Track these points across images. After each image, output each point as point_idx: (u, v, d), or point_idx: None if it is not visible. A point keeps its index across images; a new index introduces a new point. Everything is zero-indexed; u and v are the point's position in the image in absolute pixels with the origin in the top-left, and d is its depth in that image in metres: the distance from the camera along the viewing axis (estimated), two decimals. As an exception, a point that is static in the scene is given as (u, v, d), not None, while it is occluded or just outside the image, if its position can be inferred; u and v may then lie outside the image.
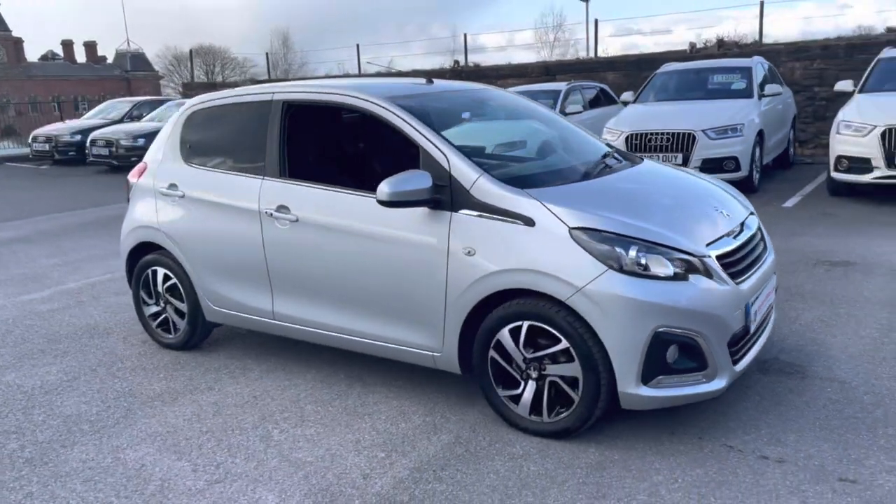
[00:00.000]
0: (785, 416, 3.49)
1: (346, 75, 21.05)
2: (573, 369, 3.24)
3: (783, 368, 4.01)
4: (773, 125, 10.59)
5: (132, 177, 4.96)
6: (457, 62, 19.48)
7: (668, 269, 3.14)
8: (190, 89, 24.37)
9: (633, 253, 3.15)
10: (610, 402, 3.25)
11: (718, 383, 3.23)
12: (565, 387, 3.29)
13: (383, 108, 3.81)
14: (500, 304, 3.40)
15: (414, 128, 3.68)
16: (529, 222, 3.29)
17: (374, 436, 3.53)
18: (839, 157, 8.75)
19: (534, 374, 3.36)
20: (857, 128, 8.60)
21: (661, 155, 9.41)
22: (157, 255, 4.77)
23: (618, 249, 3.16)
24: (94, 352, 4.92)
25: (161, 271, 4.76)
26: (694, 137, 9.31)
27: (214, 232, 4.38)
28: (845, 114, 8.93)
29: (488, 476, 3.12)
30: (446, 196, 3.50)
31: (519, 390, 3.43)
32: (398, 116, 3.75)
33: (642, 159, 4.35)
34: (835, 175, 8.90)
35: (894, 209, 8.32)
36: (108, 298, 6.23)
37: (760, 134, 9.83)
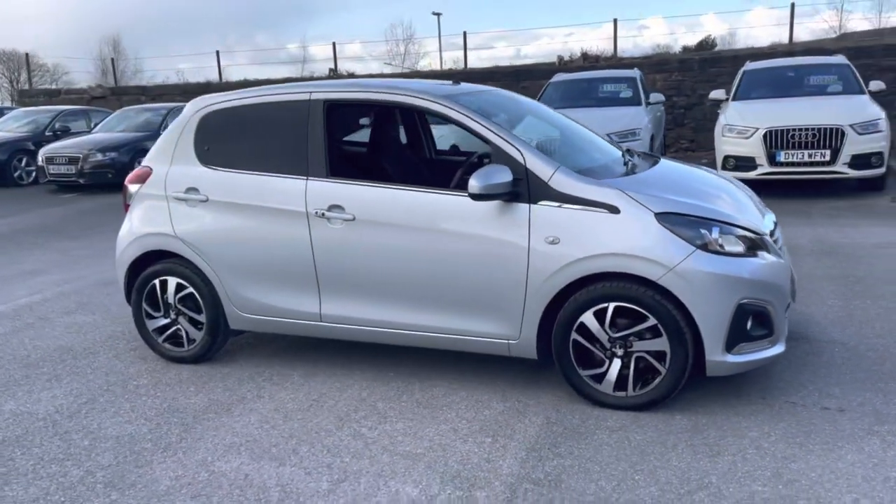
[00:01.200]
0: (818, 373, 3.99)
1: (209, 83, 20.24)
2: (661, 344, 3.53)
3: (790, 335, 4.54)
4: (656, 130, 11.59)
5: (131, 183, 4.65)
6: (332, 70, 19.38)
7: (739, 247, 3.52)
8: (28, 96, 22.27)
9: (715, 233, 3.50)
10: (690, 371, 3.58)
11: (780, 347, 3.65)
12: (653, 361, 3.57)
13: (449, 107, 3.91)
14: (580, 289, 3.62)
15: (484, 125, 3.82)
16: (614, 210, 3.54)
17: (466, 424, 3.62)
18: (726, 157, 9.79)
19: (619, 352, 3.61)
20: (740, 131, 9.67)
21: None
22: (169, 264, 4.51)
23: (702, 231, 3.49)
24: (93, 373, 4.55)
25: (173, 281, 4.50)
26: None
27: (248, 235, 4.24)
28: (728, 118, 9.99)
29: (602, 448, 3.32)
30: (523, 189, 3.67)
31: (603, 369, 3.66)
32: (466, 115, 3.87)
33: (660, 158, 4.74)
34: (722, 173, 9.92)
35: (779, 200, 9.45)
36: (61, 319, 5.72)
37: (652, 138, 10.75)
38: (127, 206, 4.69)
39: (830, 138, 9.17)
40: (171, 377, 4.41)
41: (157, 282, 4.55)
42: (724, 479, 3.02)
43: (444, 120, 3.97)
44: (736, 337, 3.50)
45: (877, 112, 9.48)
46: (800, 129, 9.26)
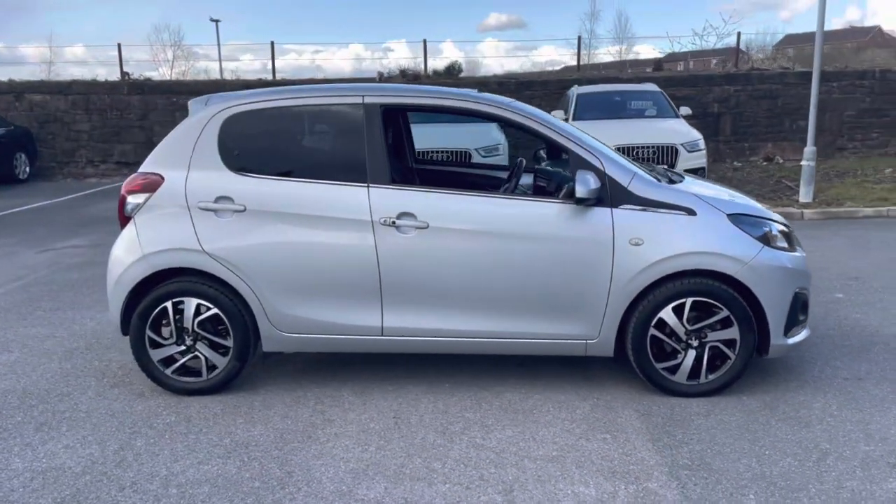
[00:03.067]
0: (830, 354, 4.64)
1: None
2: (732, 333, 3.90)
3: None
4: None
5: (133, 194, 4.02)
6: (127, 74, 17.69)
7: (784, 242, 4.03)
8: None
9: (775, 231, 3.97)
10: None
11: (808, 330, 4.22)
12: (724, 349, 3.93)
13: (526, 116, 3.98)
14: (658, 287, 3.88)
15: (562, 134, 3.94)
16: (691, 213, 3.86)
17: (572, 425, 3.68)
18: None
19: (694, 343, 3.92)
20: (591, 148, 10.63)
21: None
22: (187, 283, 3.97)
23: (765, 229, 3.94)
24: (103, 414, 3.87)
25: (193, 302, 3.98)
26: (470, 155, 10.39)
27: (296, 248, 3.90)
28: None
29: (713, 432, 3.59)
30: (605, 193, 3.85)
31: (677, 360, 3.95)
32: (544, 125, 3.96)
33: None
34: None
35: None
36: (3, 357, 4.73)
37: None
38: (126, 220, 4.05)
39: (668, 155, 10.44)
40: (205, 412, 3.89)
41: (169, 304, 3.98)
42: (833, 444, 3.45)
43: (521, 130, 4.02)
44: (791, 322, 3.99)
45: (697, 134, 10.98)
46: (644, 147, 10.42)
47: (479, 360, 4.50)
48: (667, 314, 3.89)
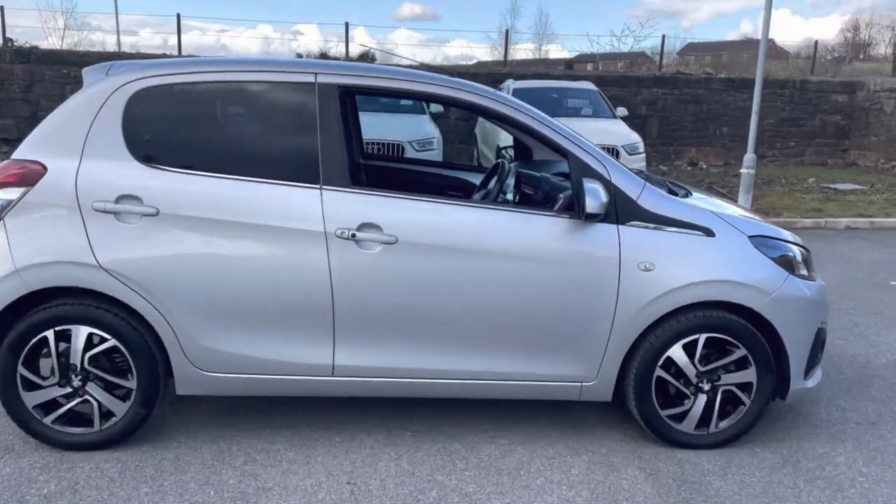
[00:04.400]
0: (830, 392, 4.16)
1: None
2: (748, 375, 3.32)
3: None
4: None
5: (4, 188, 3.02)
6: (10, 41, 15.81)
7: (804, 269, 3.48)
8: None
9: (798, 256, 3.40)
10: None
11: (821, 369, 3.69)
12: (739, 393, 3.34)
13: (523, 113, 3.25)
14: (667, 321, 3.25)
15: (561, 133, 3.24)
16: (709, 233, 3.24)
17: (576, 492, 3.00)
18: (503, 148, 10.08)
19: (706, 387, 3.32)
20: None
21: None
22: (76, 307, 3.04)
23: (788, 254, 3.37)
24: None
25: (83, 331, 3.05)
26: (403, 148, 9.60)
27: (228, 264, 3.04)
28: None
29: (736, 498, 2.99)
30: (610, 207, 3.18)
31: (685, 407, 3.33)
32: (543, 123, 3.25)
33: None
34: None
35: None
36: None
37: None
38: (-8, 221, 3.06)
39: (610, 155, 9.98)
40: (85, 475, 2.97)
41: (50, 334, 3.04)
42: (879, 515, 2.91)
43: (514, 126, 3.29)
44: (812, 361, 3.45)
45: (637, 136, 10.59)
46: None
47: (441, 399, 3.75)
48: (676, 353, 3.27)
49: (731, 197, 11.07)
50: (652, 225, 3.20)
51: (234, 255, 3.04)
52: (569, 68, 19.91)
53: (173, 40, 16.99)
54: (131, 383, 3.12)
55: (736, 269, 3.23)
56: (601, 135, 10.20)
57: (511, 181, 3.66)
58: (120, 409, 3.14)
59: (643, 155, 10.37)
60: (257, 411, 3.58)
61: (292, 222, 3.04)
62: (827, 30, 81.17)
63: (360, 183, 3.99)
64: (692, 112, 16.14)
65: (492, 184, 3.77)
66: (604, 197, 3.02)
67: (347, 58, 17.31)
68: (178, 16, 17.39)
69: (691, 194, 3.66)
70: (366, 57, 23.91)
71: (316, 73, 3.16)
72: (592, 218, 3.07)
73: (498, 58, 22.46)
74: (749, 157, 10.02)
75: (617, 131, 10.49)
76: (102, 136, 3.05)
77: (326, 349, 3.15)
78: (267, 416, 3.54)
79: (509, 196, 3.70)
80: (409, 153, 9.63)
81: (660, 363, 3.27)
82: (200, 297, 3.05)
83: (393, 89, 3.26)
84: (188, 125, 3.13)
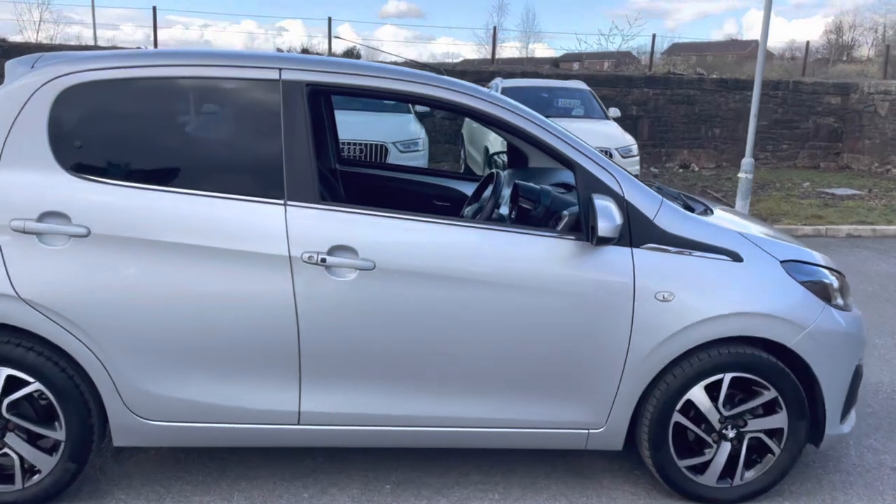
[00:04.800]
0: (858, 428, 3.74)
1: None
2: (778, 420, 2.89)
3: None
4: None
5: None
6: None
7: (841, 298, 3.05)
8: None
9: (835, 283, 2.98)
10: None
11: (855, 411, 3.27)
12: (767, 440, 2.91)
13: (523, 118, 2.80)
14: (687, 359, 2.82)
15: (567, 142, 2.79)
16: (737, 257, 2.81)
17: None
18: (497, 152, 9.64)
19: (730, 434, 2.88)
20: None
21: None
22: (-8, 344, 2.56)
23: (823, 280, 2.94)
24: None
25: (1, 373, 2.56)
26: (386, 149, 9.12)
27: (174, 294, 2.56)
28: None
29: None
30: (625, 229, 2.73)
31: (707, 456, 2.90)
32: (547, 131, 2.80)
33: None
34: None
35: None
36: None
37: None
38: None
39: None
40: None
41: (-43, 376, 2.55)
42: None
43: (512, 133, 2.84)
44: (849, 404, 3.03)
45: (630, 138, 10.18)
46: None
47: (430, 450, 3.29)
48: (698, 395, 2.83)
49: (727, 202, 10.69)
50: (671, 248, 2.76)
51: (180, 283, 2.56)
52: (555, 67, 19.53)
53: (159, 35, 16.39)
54: (59, 434, 2.64)
55: (767, 299, 2.80)
56: (593, 136, 9.75)
57: (507, 194, 3.21)
58: (46, 463, 2.66)
59: (637, 158, 9.96)
60: (210, 460, 3.10)
61: (251, 245, 2.57)
62: (810, 31, 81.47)
63: (335, 195, 3.54)
64: (684, 113, 15.77)
65: (486, 194, 3.31)
66: (618, 218, 2.57)
67: (331, 54, 16.79)
68: (154, 9, 16.72)
69: (711, 211, 3.22)
70: (351, 54, 23.37)
71: (280, 69, 2.69)
72: (604, 242, 2.62)
73: (484, 56, 22.04)
74: (747, 161, 9.62)
75: (610, 133, 10.08)
76: (23, 141, 2.56)
77: (291, 393, 2.68)
78: (221, 467, 3.06)
79: (504, 210, 3.26)
80: (393, 155, 9.16)
81: (678, 407, 2.83)
82: (140, 334, 2.57)
83: (372, 88, 2.79)
84: (128, 129, 2.64)
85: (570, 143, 2.79)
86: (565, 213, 2.86)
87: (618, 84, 15.52)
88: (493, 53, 17.63)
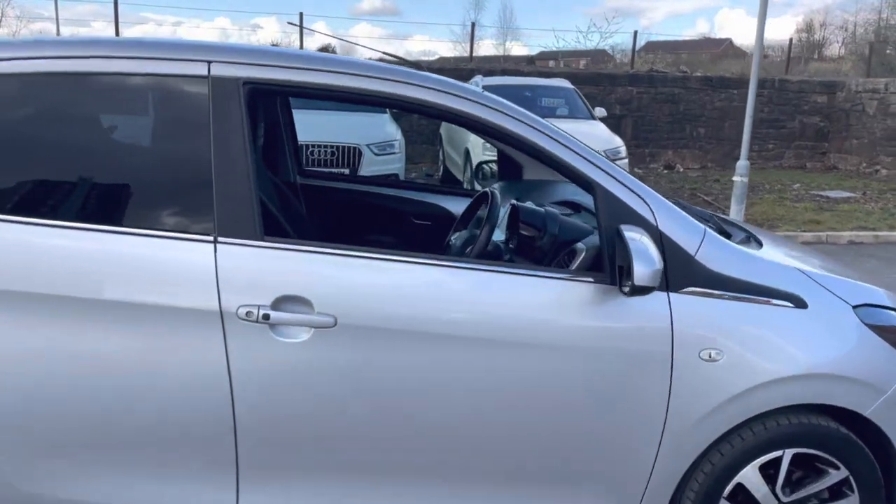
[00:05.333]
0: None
1: None
2: (849, 505, 2.30)
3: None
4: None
5: None
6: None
7: (917, 349, 2.46)
8: None
9: (918, 333, 2.39)
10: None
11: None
12: (835, 533, 2.32)
13: (528, 125, 2.18)
14: (737, 432, 2.21)
15: (590, 161, 2.17)
16: (800, 303, 2.20)
17: None
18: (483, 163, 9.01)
19: (790, 525, 2.29)
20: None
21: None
22: None
23: (903, 329, 2.35)
24: None
25: None
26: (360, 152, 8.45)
27: (68, 365, 1.90)
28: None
29: None
30: (659, 267, 2.12)
31: (760, 554, 2.30)
32: (559, 143, 2.17)
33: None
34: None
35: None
36: None
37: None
38: None
39: None
40: None
41: None
42: None
43: (511, 144, 2.20)
44: (931, 482, 2.44)
45: (619, 140, 9.63)
46: None
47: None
48: (751, 477, 2.23)
49: (719, 206, 10.18)
50: (718, 292, 2.15)
51: (73, 350, 1.90)
52: (530, 64, 18.98)
53: (129, 32, 15.62)
54: (-88, 550, 1.97)
55: (838, 356, 2.20)
56: (579, 138, 9.17)
57: (504, 218, 2.58)
58: None
59: (626, 161, 9.39)
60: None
61: (167, 297, 1.92)
62: (781, 30, 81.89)
63: (293, 219, 2.87)
64: (668, 112, 15.27)
65: (479, 217, 2.68)
66: (657, 261, 1.95)
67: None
68: (116, 3, 15.81)
69: (757, 240, 2.61)
70: (326, 51, 22.65)
71: (209, 62, 2.03)
72: (641, 292, 2.00)
73: (460, 54, 21.41)
74: (742, 163, 9.08)
75: (596, 134, 9.49)
76: None
77: (226, 494, 2.03)
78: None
79: (501, 236, 2.64)
80: (367, 158, 8.49)
81: (726, 493, 2.23)
82: (18, 419, 1.91)
83: (334, 88, 2.12)
84: (2, 142, 1.97)
85: (589, 157, 2.17)
86: (580, 246, 2.24)
87: (600, 82, 14.98)
88: (472, 50, 17.02)
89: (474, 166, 9.43)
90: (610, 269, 2.07)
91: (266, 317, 1.92)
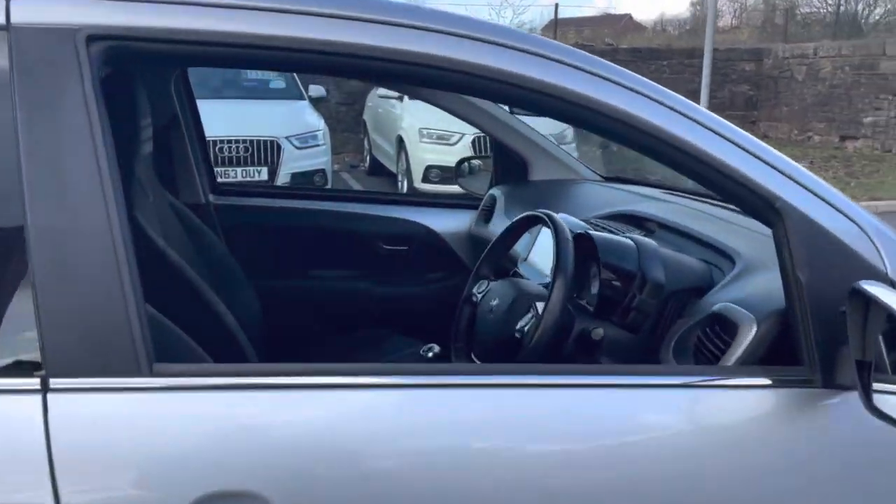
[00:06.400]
0: None
1: None
2: None
3: None
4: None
5: None
6: None
7: None
8: None
9: None
10: None
11: None
12: None
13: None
14: None
15: (780, 171, 1.18)
16: None
17: None
18: (430, 167, 8.00)
19: None
20: (441, 136, 8.03)
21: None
22: None
23: None
24: None
25: None
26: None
27: None
28: (419, 121, 8.18)
29: None
30: None
31: None
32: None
33: None
34: (423, 185, 8.09)
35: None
36: None
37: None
38: None
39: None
40: None
41: None
42: None
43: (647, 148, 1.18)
44: None
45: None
46: None
47: None
48: None
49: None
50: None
51: None
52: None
53: None
54: None
55: None
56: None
57: (560, 254, 1.57)
58: None
59: (573, 145, 8.55)
60: None
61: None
62: (678, 5, 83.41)
63: (217, 267, 1.77)
64: (598, 87, 14.58)
65: (524, 260, 1.66)
66: None
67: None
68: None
69: None
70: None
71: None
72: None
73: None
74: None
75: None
76: None
77: None
78: None
79: (536, 276, 1.66)
80: (288, 154, 7.31)
81: None
82: None
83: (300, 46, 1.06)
84: None
85: (784, 168, 1.18)
86: (738, 311, 1.26)
87: (528, 57, 14.12)
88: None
89: (396, 144, 8.41)
90: (822, 361, 1.11)
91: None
